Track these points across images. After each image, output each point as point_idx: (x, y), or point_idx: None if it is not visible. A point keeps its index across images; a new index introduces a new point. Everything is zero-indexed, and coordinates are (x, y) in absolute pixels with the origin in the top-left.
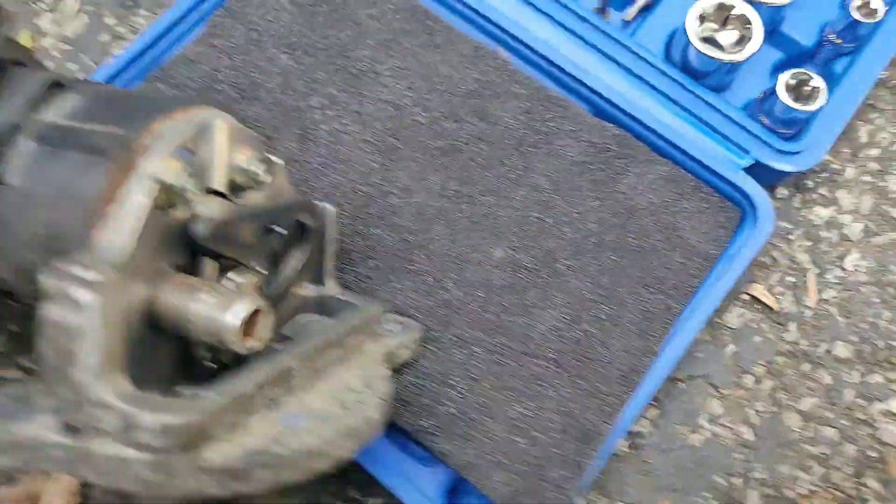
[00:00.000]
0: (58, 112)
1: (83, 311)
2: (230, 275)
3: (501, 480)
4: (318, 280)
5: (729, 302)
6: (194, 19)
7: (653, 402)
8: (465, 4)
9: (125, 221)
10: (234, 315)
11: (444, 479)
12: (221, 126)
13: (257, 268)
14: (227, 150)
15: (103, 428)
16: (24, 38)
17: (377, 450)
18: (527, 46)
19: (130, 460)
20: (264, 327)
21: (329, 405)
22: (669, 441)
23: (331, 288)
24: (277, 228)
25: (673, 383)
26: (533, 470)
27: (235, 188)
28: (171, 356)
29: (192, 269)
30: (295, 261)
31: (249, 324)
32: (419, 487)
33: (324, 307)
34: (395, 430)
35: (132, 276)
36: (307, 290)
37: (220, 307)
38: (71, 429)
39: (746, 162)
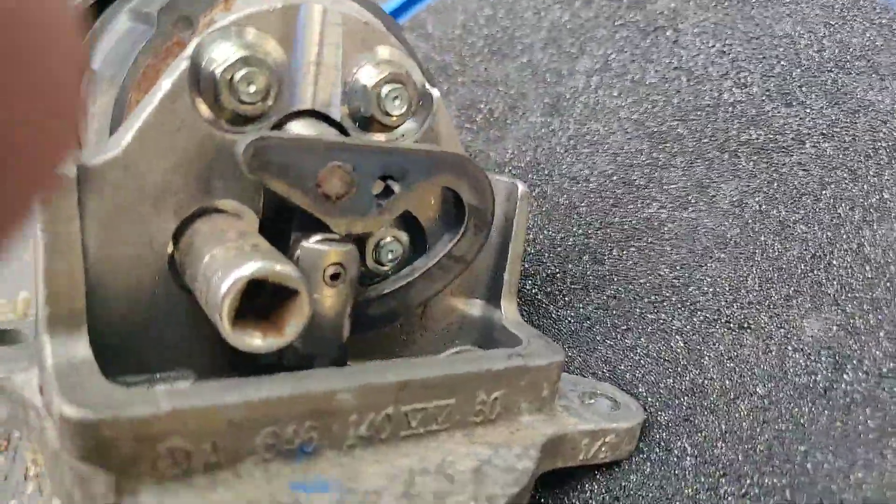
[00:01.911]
0: None
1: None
2: (313, 240)
3: None
4: (493, 298)
5: None
6: None
7: None
8: None
9: (139, 113)
10: (227, 282)
11: None
12: (331, 17)
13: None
14: (340, 55)
15: (48, 398)
16: None
17: None
18: None
19: (61, 459)
20: (295, 317)
21: (387, 485)
22: None
23: (507, 312)
24: (395, 185)
25: None
26: None
27: (358, 118)
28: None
29: (281, 222)
30: (439, 248)
31: (276, 311)
32: None
33: (489, 340)
34: None
35: (136, 193)
36: (474, 307)
37: (224, 266)
38: (41, 391)
39: None
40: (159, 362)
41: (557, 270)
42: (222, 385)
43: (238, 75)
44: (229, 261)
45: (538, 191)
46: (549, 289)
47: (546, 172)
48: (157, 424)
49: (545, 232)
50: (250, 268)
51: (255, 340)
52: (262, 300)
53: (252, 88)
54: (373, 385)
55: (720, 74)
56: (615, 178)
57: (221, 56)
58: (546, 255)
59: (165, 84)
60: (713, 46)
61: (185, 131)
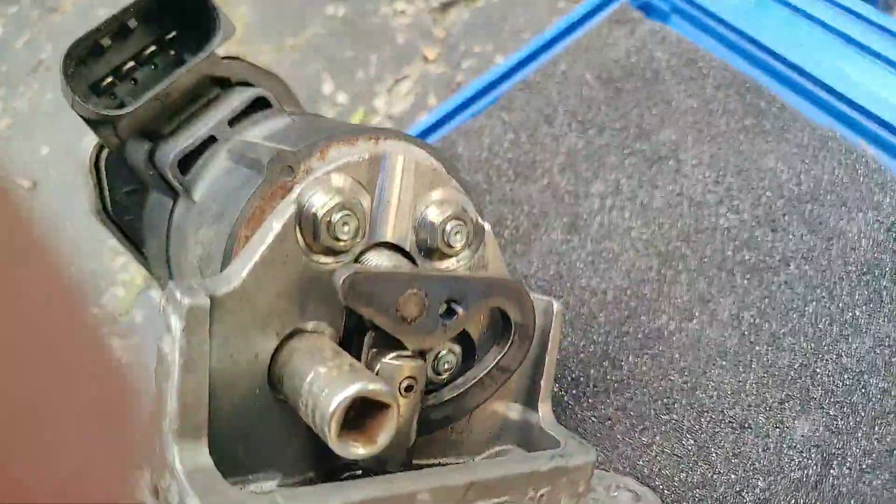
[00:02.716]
0: (258, 131)
1: (174, 342)
2: (390, 356)
3: None
4: (531, 402)
5: None
6: (495, 95)
7: None
8: (815, 80)
9: (252, 249)
10: (336, 400)
11: None
12: (407, 164)
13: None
14: (412, 196)
15: (171, 500)
16: (357, 115)
17: None
18: None
19: None
20: (386, 429)
21: None
22: None
23: (543, 415)
24: (458, 308)
25: None
26: None
27: (423, 249)
28: (310, 445)
29: (355, 339)
30: (489, 360)
31: (371, 422)
32: None
33: (528, 440)
34: None
35: (249, 318)
36: (513, 411)
37: (330, 384)
38: (156, 493)
39: None
40: (252, 465)
41: (581, 375)
42: (327, 489)
43: (335, 217)
44: (334, 380)
45: (561, 301)
46: (574, 391)
47: (568, 285)
48: None
49: (569, 339)
50: (355, 388)
51: (358, 450)
52: (353, 412)
53: (346, 229)
54: (446, 486)
55: (716, 202)
56: (629, 291)
57: (321, 201)
58: (570, 360)
59: (276, 226)
60: (709, 176)
61: (290, 264)
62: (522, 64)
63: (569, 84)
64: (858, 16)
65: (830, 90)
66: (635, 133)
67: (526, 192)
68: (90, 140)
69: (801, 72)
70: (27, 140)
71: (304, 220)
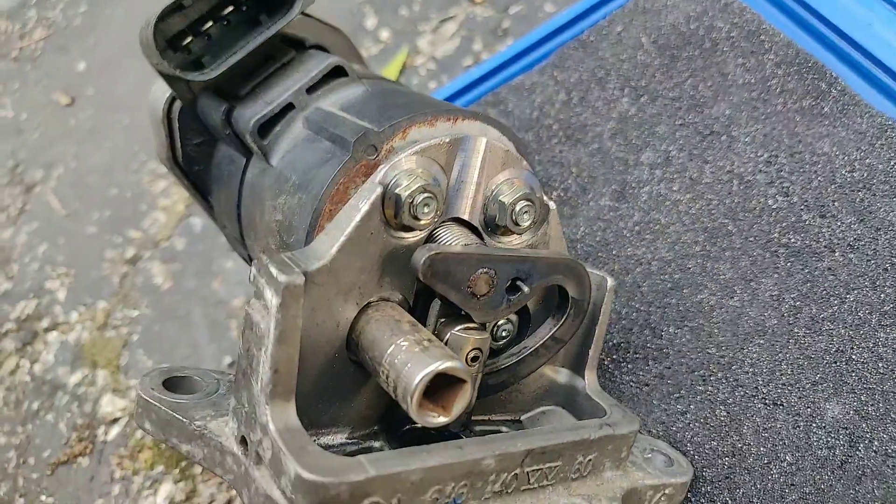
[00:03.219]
0: (335, 100)
1: (269, 314)
2: (458, 329)
3: None
4: (578, 368)
5: None
6: (547, 50)
7: None
8: (881, 65)
9: (340, 226)
10: (419, 375)
11: None
12: (484, 146)
13: (490, 326)
14: (485, 176)
15: (262, 454)
16: (401, 55)
17: None
18: None
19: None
20: (460, 402)
21: None
22: None
23: (589, 383)
24: (523, 286)
25: None
26: None
27: (490, 225)
28: (376, 402)
29: (420, 307)
30: (544, 331)
31: (445, 392)
32: None
33: (572, 403)
34: None
35: (334, 290)
36: (560, 375)
37: (412, 359)
38: (243, 442)
39: None
40: (325, 419)
41: (622, 340)
42: (406, 453)
43: (418, 199)
44: (416, 355)
45: (606, 268)
46: (614, 356)
47: (614, 252)
48: (366, 486)
49: (613, 305)
50: (435, 365)
51: (436, 419)
52: (430, 385)
53: (426, 210)
54: (510, 453)
55: (766, 182)
56: (673, 264)
57: (404, 182)
58: (613, 326)
59: (363, 206)
60: (762, 156)
61: (373, 241)
62: (577, 20)
63: (624, 47)
64: None
65: (895, 76)
66: (688, 104)
67: (576, 156)
68: (161, 87)
69: (867, 54)
70: (63, 54)
71: (388, 201)
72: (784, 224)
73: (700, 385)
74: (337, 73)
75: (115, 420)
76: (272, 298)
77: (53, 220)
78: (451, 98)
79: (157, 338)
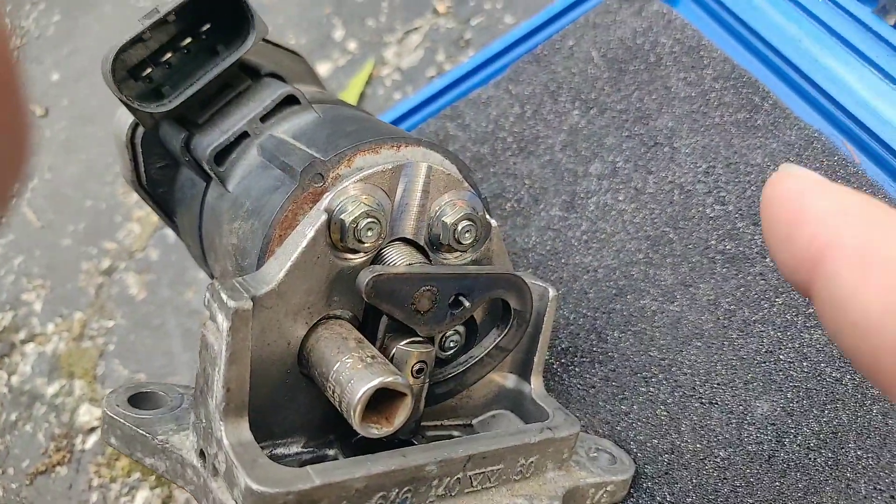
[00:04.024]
0: (287, 127)
1: (220, 336)
2: (404, 343)
3: None
4: (525, 374)
5: None
6: (504, 63)
7: None
8: (809, 80)
9: (287, 251)
10: (360, 391)
11: None
12: (425, 170)
13: (434, 340)
14: (428, 198)
15: (218, 467)
16: (367, 67)
17: None
18: (889, 148)
19: None
20: (402, 413)
21: None
22: None
23: (535, 387)
24: (465, 300)
25: None
26: None
27: (435, 244)
28: (329, 413)
29: (370, 322)
30: (489, 342)
31: (388, 404)
32: None
33: (520, 407)
34: None
35: (283, 311)
36: (508, 380)
37: (355, 376)
38: (202, 455)
39: None
40: (279, 431)
41: (570, 345)
42: (351, 462)
43: (362, 223)
44: (359, 371)
45: (556, 276)
46: (563, 360)
47: (563, 261)
48: (312, 494)
49: (561, 311)
50: (377, 380)
51: (378, 430)
52: (373, 398)
53: (370, 233)
54: (451, 458)
55: (705, 192)
56: (618, 271)
57: (349, 208)
58: (561, 331)
59: (309, 232)
60: (700, 167)
61: (319, 264)
62: (532, 34)
63: (575, 61)
64: (855, 18)
65: (821, 90)
66: (635, 116)
67: (528, 167)
68: (125, 112)
69: (796, 69)
70: (37, 64)
71: (333, 226)
72: (720, 231)
73: (643, 386)
74: (290, 101)
75: (93, 429)
76: (223, 322)
77: (29, 232)
78: (413, 111)
79: (133, 347)
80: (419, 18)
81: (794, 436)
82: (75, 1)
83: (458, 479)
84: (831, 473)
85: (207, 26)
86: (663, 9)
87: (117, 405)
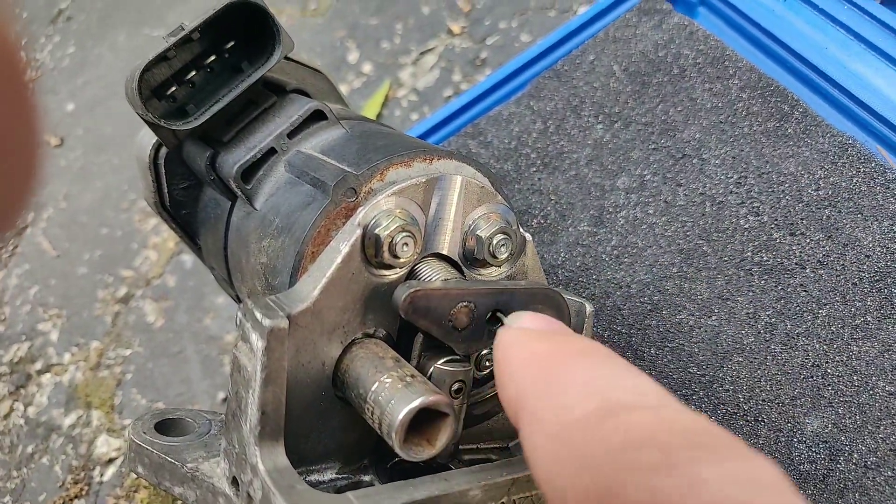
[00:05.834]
0: (315, 143)
1: (255, 357)
2: (441, 361)
3: None
4: None
5: None
6: (523, 80)
7: None
8: (837, 86)
9: (322, 268)
10: (402, 412)
11: None
12: (459, 183)
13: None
14: (462, 212)
15: (253, 494)
16: (383, 88)
17: None
18: None
19: None
20: (444, 434)
21: None
22: None
23: None
24: (503, 316)
25: None
26: None
27: (469, 259)
28: (365, 437)
29: (404, 341)
30: None
31: (429, 426)
32: None
33: None
34: None
35: (318, 330)
36: None
37: (395, 396)
38: (235, 483)
39: None
40: (314, 456)
41: None
42: (393, 487)
43: (397, 238)
44: (399, 391)
45: (587, 292)
46: None
47: (594, 277)
48: None
49: (595, 329)
50: (419, 399)
51: (420, 454)
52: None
53: (405, 248)
54: (496, 482)
55: (737, 203)
56: (652, 286)
57: (384, 222)
58: None
59: (344, 248)
60: (731, 177)
61: (354, 280)
62: (550, 50)
63: (596, 75)
64: (881, 23)
65: (852, 97)
66: (661, 129)
67: (554, 183)
68: (147, 133)
69: (825, 76)
70: (52, 95)
71: (368, 241)
72: (756, 243)
73: (683, 404)
74: (317, 116)
75: (111, 460)
76: (258, 342)
77: (45, 262)
78: (433, 130)
79: (151, 376)
80: (433, 39)
81: (850, 454)
82: (89, 32)
83: (503, 503)
84: (893, 493)
85: (231, 44)
86: (684, 21)
87: (144, 432)
